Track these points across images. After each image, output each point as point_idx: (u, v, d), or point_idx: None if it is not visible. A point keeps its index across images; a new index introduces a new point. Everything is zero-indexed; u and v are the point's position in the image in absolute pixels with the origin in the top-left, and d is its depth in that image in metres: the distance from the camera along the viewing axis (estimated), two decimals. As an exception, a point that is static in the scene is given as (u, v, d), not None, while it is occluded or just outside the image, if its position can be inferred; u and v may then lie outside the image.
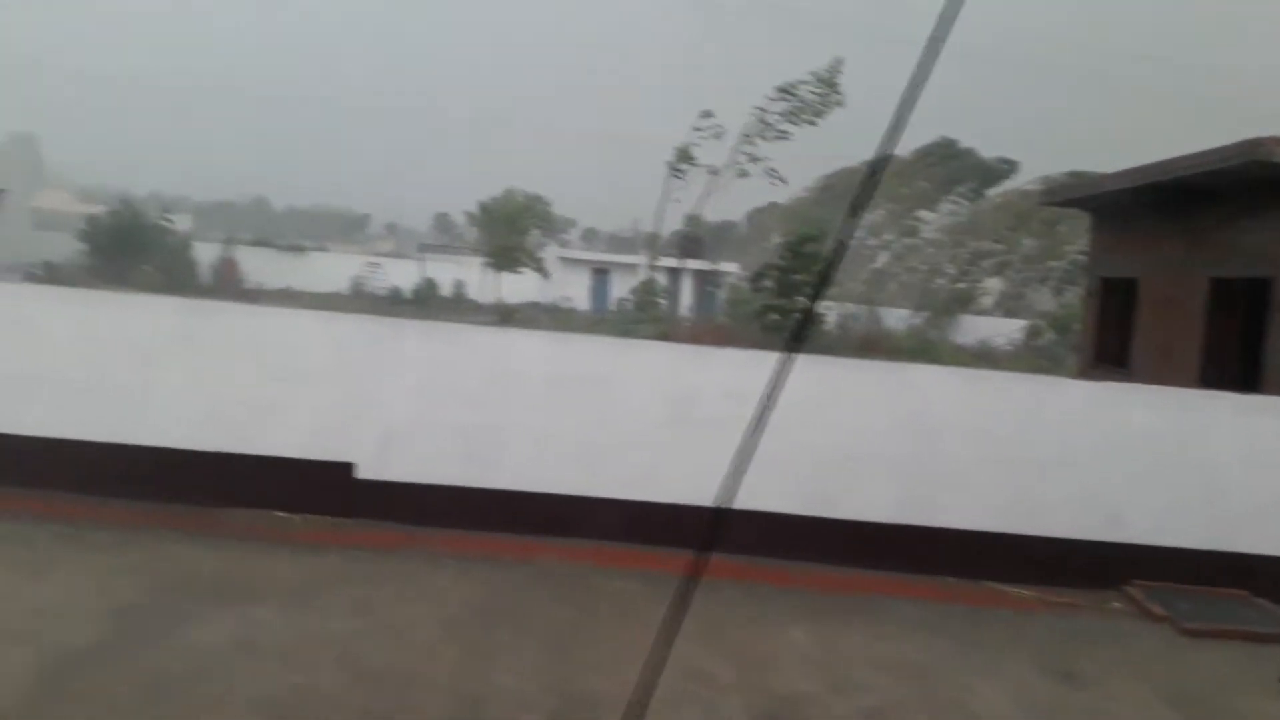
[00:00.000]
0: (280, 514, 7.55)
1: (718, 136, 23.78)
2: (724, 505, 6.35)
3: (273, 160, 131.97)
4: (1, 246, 30.85)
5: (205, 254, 37.91)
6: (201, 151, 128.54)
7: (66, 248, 34.33)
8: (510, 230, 31.01)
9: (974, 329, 37.86)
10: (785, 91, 22.85)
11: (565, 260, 44.10)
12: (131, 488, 7.53)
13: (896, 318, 36.41)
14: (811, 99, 22.79)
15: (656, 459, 7.63)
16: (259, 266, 37.88)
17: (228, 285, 34.41)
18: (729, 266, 41.19)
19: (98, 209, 42.43)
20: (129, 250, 32.99)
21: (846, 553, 7.58)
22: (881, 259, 51.11)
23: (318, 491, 7.61)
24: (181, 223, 43.14)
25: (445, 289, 38.38)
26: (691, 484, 7.42)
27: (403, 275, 39.26)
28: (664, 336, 18.27)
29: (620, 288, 38.20)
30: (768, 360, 7.88)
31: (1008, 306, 45.81)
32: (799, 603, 6.76)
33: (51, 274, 28.67)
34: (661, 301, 24.58)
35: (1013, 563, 7.58)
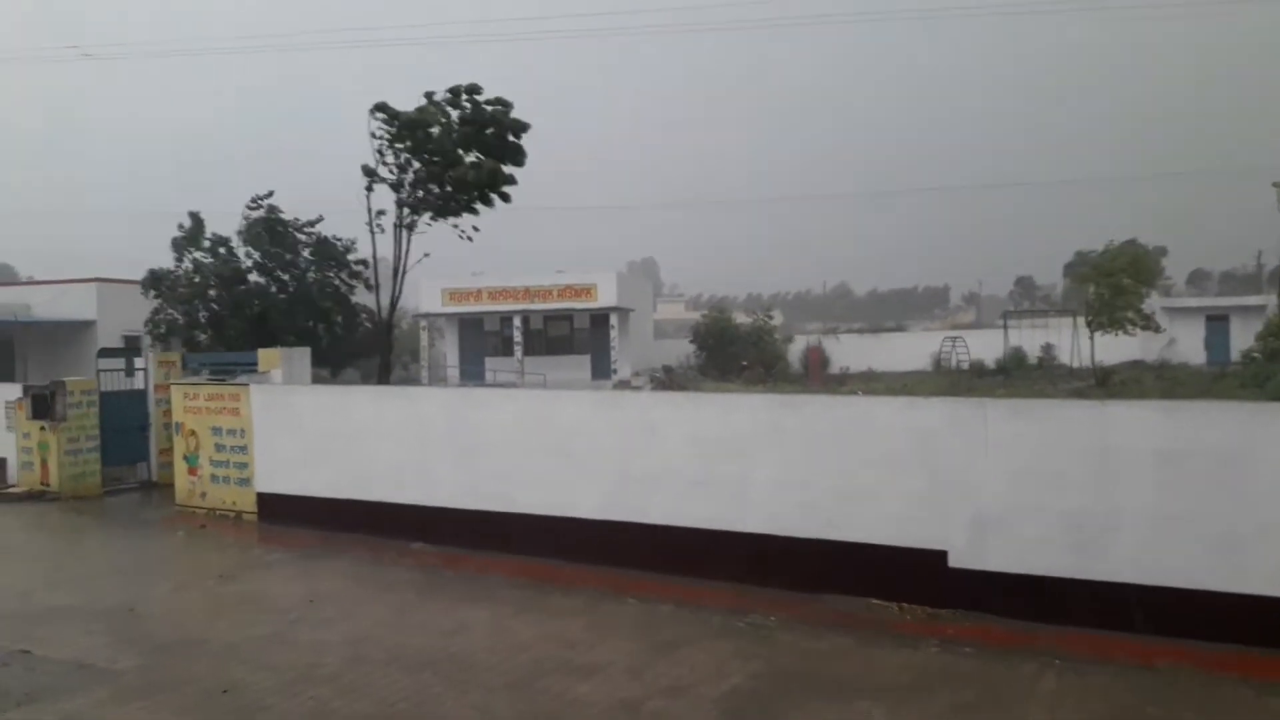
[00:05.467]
0: (876, 601, 7.56)
1: None
2: None
3: (852, 250, 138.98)
4: (632, 356, 36.53)
5: (796, 344, 40.99)
6: (790, 252, 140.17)
7: (681, 351, 39.63)
8: (1114, 285, 28.10)
9: None
10: None
11: (1170, 310, 39.13)
12: (736, 572, 8.16)
13: None
14: None
15: (1319, 548, 6.17)
16: (843, 351, 39.81)
17: (815, 372, 36.62)
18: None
19: (703, 314, 48.47)
20: (731, 347, 37.04)
21: None
22: None
23: (910, 579, 7.50)
24: (775, 318, 47.28)
25: (1031, 356, 36.26)
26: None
27: (985, 345, 37.96)
28: (1313, 390, 15.05)
29: (1243, 336, 32.73)
30: None
31: None
32: None
33: (670, 377, 33.11)
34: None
35: None
